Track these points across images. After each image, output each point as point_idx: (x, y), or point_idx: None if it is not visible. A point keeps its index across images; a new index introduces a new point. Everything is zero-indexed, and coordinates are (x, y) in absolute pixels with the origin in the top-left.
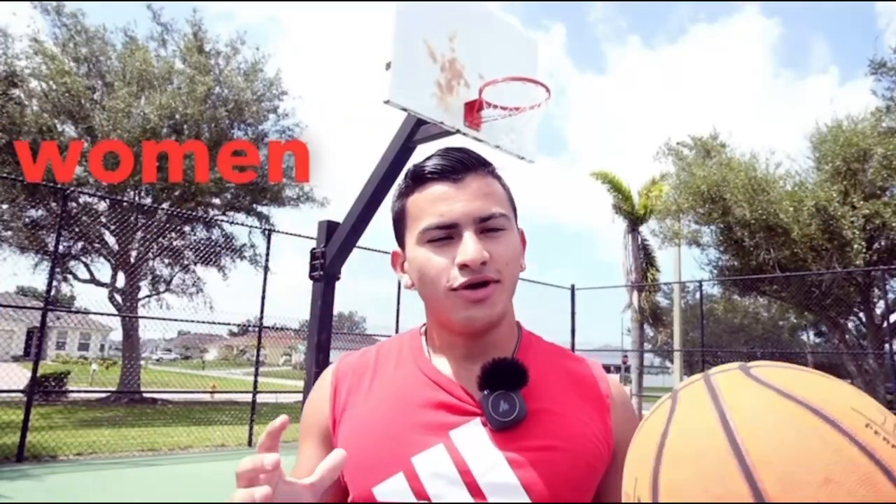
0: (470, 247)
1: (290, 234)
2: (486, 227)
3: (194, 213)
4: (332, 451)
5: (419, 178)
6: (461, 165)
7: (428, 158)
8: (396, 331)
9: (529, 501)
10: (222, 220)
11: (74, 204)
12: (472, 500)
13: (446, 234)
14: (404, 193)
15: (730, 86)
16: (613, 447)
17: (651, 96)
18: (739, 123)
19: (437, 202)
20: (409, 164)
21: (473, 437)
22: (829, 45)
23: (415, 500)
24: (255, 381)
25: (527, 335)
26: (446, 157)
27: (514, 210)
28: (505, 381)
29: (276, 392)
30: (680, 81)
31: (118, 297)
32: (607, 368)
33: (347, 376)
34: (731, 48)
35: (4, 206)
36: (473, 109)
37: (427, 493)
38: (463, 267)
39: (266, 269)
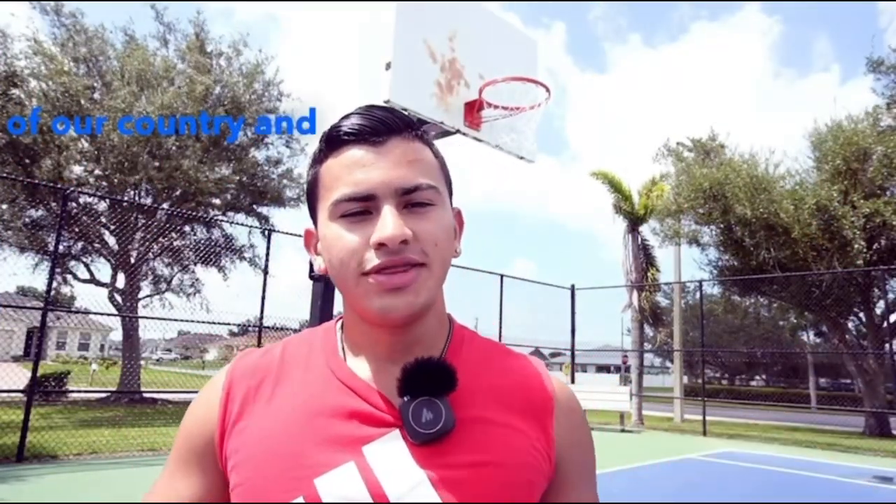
0: (388, 222)
1: (290, 234)
2: (410, 200)
3: (194, 214)
4: (213, 475)
5: (334, 141)
6: (383, 126)
7: (346, 117)
8: None
9: None
10: (222, 221)
11: (74, 204)
12: None
13: (362, 208)
14: (317, 160)
15: (731, 84)
16: (556, 458)
17: (652, 95)
18: (740, 122)
19: (353, 169)
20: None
21: (391, 453)
22: (830, 43)
23: None
24: None
25: (459, 330)
26: (366, 115)
27: (449, 184)
28: (429, 386)
29: None
30: (681, 80)
31: (118, 297)
32: (607, 368)
33: (244, 380)
34: (732, 47)
35: (4, 206)
36: (473, 109)
37: None
38: (379, 247)
39: (266, 269)
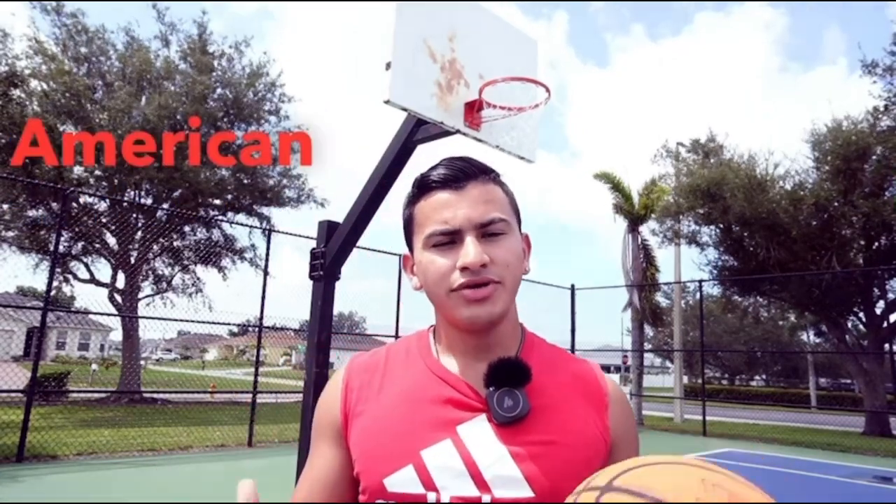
0: (471, 250)
1: (290, 234)
2: (486, 231)
3: (194, 214)
4: (341, 450)
5: (424, 187)
6: (463, 174)
7: (433, 168)
8: (396, 330)
9: (531, 494)
10: (222, 221)
11: (74, 204)
12: (477, 492)
13: (450, 240)
14: (411, 202)
15: (735, 78)
16: (611, 443)
17: (654, 89)
18: (744, 117)
19: (441, 209)
20: (417, 173)
21: (479, 432)
22: (834, 37)
23: (423, 491)
24: (255, 381)
25: (530, 336)
26: (449, 166)
27: (518, 215)
28: (509, 379)
29: (276, 392)
30: (684, 74)
31: (118, 297)
32: (607, 369)
33: (358, 375)
34: (737, 39)
35: (5, 207)
36: (473, 109)
37: (435, 485)
38: (464, 269)
39: (266, 269)
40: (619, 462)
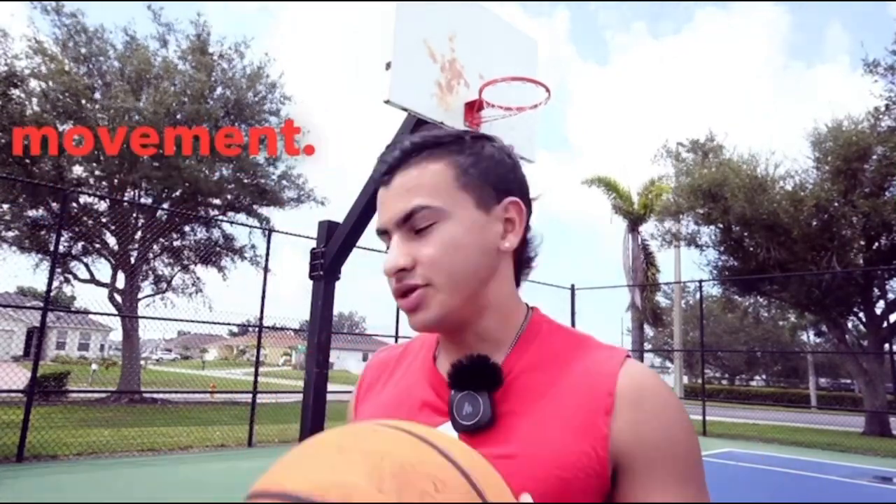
0: (388, 256)
1: (290, 234)
2: (412, 226)
3: (194, 213)
4: None
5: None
6: (387, 167)
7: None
8: (396, 331)
9: None
10: (222, 220)
11: (74, 204)
12: None
13: (387, 240)
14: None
15: (736, 77)
16: (612, 458)
17: (655, 88)
18: (744, 118)
19: (379, 208)
20: None
21: None
22: (836, 34)
23: None
24: (255, 381)
25: (535, 325)
26: (382, 157)
27: (478, 187)
28: (472, 381)
29: (276, 392)
30: (685, 73)
31: (118, 297)
32: None
33: (372, 371)
34: (738, 37)
35: (5, 207)
36: (473, 109)
37: None
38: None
39: (266, 269)
40: (633, 479)
